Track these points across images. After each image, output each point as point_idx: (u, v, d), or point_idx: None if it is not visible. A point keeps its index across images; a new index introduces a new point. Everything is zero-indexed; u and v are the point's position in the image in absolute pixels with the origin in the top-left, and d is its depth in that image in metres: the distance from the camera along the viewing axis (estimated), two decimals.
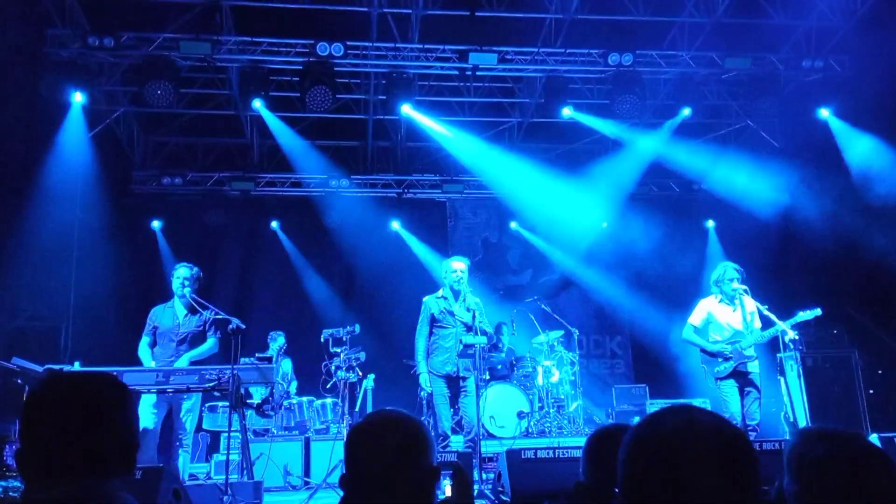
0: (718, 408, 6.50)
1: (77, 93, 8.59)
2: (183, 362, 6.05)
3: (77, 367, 6.24)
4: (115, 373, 5.31)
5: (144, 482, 3.92)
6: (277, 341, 9.60)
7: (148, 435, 5.83)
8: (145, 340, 6.33)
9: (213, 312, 6.24)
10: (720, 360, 6.28)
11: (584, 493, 1.91)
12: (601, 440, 1.97)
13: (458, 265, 6.55)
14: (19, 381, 5.66)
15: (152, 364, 6.11)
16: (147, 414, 5.91)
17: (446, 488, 1.83)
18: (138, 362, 6.21)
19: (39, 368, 5.79)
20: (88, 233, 9.35)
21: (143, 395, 5.85)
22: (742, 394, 6.25)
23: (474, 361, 6.26)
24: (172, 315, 6.34)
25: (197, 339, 6.31)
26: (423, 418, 6.91)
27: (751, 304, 6.44)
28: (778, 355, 8.51)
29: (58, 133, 8.82)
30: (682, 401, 9.83)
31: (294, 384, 9.63)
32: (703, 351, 6.43)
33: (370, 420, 1.73)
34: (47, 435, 1.46)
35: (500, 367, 9.52)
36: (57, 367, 5.71)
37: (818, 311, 6.30)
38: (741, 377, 6.26)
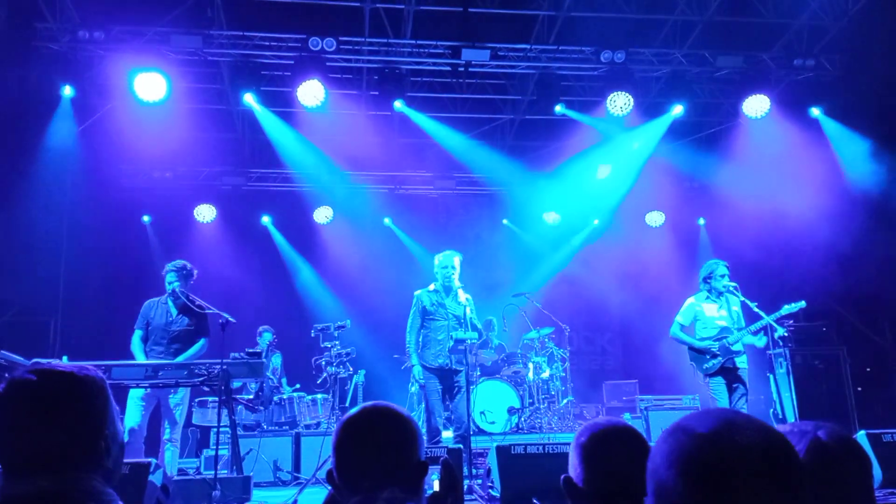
0: (707, 404, 6.53)
1: (67, 86, 8.52)
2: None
3: (65, 361, 6.20)
4: (103, 367, 5.29)
5: (132, 477, 3.89)
6: (266, 336, 9.58)
7: (135, 429, 5.80)
8: (138, 334, 6.27)
9: (204, 309, 6.20)
10: (708, 356, 6.31)
11: (580, 496, 1.84)
12: (597, 442, 1.87)
13: (451, 260, 6.54)
14: (6, 374, 5.63)
15: (144, 358, 6.07)
16: (135, 408, 5.88)
17: (434, 483, 1.80)
18: (128, 356, 6.16)
19: (27, 362, 5.75)
20: (78, 226, 9.29)
21: (131, 389, 5.82)
22: (730, 390, 6.28)
23: (465, 357, 6.28)
24: (165, 312, 6.29)
25: (189, 336, 6.26)
26: (413, 413, 6.91)
27: (735, 300, 6.47)
28: (767, 352, 8.56)
29: (48, 126, 8.75)
30: (676, 399, 9.90)
31: (285, 380, 9.61)
32: (691, 348, 6.46)
33: (359, 414, 1.71)
34: (23, 429, 1.43)
35: (490, 363, 9.53)
36: (44, 361, 5.66)
37: (802, 304, 6.34)
38: (729, 373, 6.29)
